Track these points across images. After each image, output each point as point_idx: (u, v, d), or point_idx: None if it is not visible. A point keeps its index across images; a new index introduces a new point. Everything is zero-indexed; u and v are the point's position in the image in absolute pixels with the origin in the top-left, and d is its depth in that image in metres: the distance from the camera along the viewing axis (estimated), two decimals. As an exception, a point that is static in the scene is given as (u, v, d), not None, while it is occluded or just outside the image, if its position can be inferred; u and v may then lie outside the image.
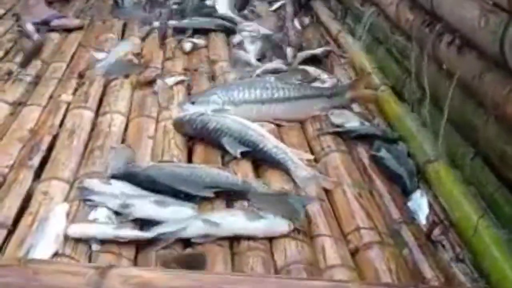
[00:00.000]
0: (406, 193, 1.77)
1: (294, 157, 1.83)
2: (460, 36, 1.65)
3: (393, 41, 2.25)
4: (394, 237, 1.59)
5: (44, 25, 2.98)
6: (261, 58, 2.69)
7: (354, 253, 1.54)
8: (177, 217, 1.56)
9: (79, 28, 3.04)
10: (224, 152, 1.94)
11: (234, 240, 1.56)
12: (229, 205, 1.70)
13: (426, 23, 1.89)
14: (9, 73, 2.47)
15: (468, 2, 1.57)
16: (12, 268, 1.14)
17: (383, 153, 1.89)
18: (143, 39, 2.96)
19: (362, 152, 1.97)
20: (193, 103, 2.10)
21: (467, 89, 1.62)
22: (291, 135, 2.09)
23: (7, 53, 2.72)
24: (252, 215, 1.56)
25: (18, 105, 2.22)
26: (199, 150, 1.99)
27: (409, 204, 1.73)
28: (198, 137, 2.02)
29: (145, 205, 1.61)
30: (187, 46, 2.76)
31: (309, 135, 2.10)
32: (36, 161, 1.86)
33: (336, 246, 1.53)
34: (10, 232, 1.55)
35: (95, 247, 1.49)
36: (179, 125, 2.06)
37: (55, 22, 3.00)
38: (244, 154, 1.90)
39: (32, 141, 1.96)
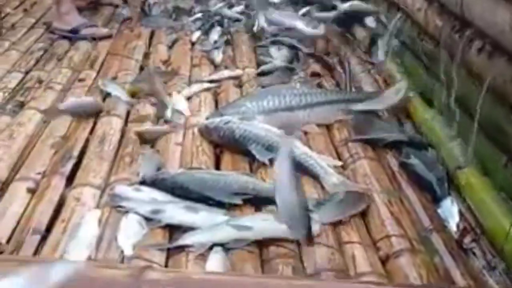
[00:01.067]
0: (436, 200, 1.76)
1: (323, 163, 1.83)
2: (490, 41, 1.64)
3: (421, 47, 2.24)
4: (425, 244, 1.57)
5: (73, 33, 3.03)
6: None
7: (384, 260, 1.53)
8: (208, 223, 1.57)
9: (108, 37, 3.07)
10: (252, 159, 1.96)
11: (263, 246, 1.56)
12: (258, 211, 1.71)
13: (455, 29, 1.87)
14: (40, 81, 2.51)
15: (499, 7, 1.55)
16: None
17: (412, 159, 1.88)
18: (170, 46, 3.00)
19: (391, 158, 1.96)
20: (222, 115, 2.11)
21: (498, 95, 1.60)
22: (318, 141, 2.09)
23: (37, 61, 2.77)
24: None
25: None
26: (227, 157, 2.00)
27: (440, 211, 1.71)
28: (225, 144, 2.03)
29: (176, 211, 1.62)
30: (218, 58, 2.76)
31: (336, 141, 2.10)
32: (67, 168, 1.89)
33: (366, 253, 1.53)
34: (44, 238, 1.58)
35: (127, 252, 1.51)
36: (205, 132, 2.08)
37: (84, 31, 3.04)
38: (272, 161, 1.90)
39: (64, 148, 1.99)
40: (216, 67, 2.71)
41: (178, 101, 2.29)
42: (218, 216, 1.62)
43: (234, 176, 1.79)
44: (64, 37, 3.02)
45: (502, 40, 1.55)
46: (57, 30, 3.07)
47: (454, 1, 1.87)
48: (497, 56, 1.59)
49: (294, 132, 2.08)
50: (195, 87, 2.44)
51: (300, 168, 1.85)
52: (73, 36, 3.02)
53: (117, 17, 3.39)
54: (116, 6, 3.53)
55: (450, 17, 1.95)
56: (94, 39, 3.02)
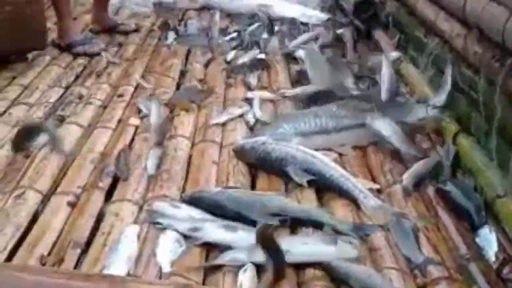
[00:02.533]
0: (474, 229, 1.75)
1: (361, 187, 1.84)
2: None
3: (459, 73, 2.24)
4: (463, 273, 1.56)
5: (68, 48, 3.10)
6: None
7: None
8: (246, 242, 1.58)
9: (97, 54, 3.09)
10: (287, 180, 1.97)
11: (300, 268, 1.57)
12: (293, 232, 1.72)
13: (496, 57, 1.87)
14: (80, 96, 2.56)
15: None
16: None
17: (449, 186, 1.87)
18: (205, 65, 3.04)
19: (427, 184, 1.96)
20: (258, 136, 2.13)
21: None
22: (353, 164, 2.10)
23: (77, 77, 2.83)
24: (324, 239, 1.58)
25: (88, 127, 2.30)
26: (262, 177, 2.02)
27: (477, 240, 1.70)
28: (260, 165, 2.05)
29: (215, 229, 1.64)
30: (253, 81, 2.77)
31: (371, 165, 2.11)
32: (106, 182, 1.93)
33: (403, 280, 1.52)
34: (84, 251, 1.60)
35: (165, 268, 1.52)
36: (240, 153, 2.10)
37: (77, 48, 3.10)
38: (308, 183, 1.92)
39: (103, 163, 2.03)
40: (250, 89, 2.72)
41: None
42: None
43: (271, 197, 1.80)
44: (64, 50, 3.10)
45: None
46: (55, 44, 3.15)
47: (495, 29, 1.87)
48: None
49: (329, 153, 2.10)
50: (230, 112, 2.44)
51: (338, 191, 1.87)
52: (67, 51, 3.09)
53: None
54: (135, 31, 3.51)
55: (490, 45, 1.95)
56: (90, 55, 3.06)
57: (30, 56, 2.97)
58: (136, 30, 3.50)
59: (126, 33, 3.48)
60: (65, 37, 3.13)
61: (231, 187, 1.89)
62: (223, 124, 2.36)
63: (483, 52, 2.00)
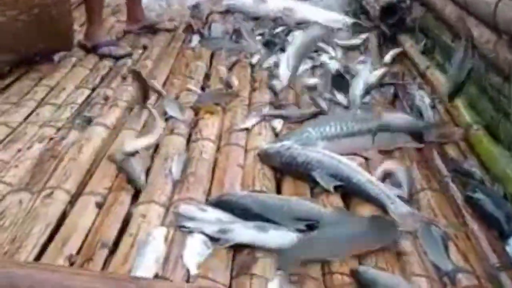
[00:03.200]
0: (503, 237, 1.72)
1: (390, 193, 1.82)
2: None
3: (488, 80, 2.21)
4: (493, 282, 1.54)
5: (94, 50, 3.14)
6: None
7: (451, 296, 1.51)
8: (278, 242, 1.59)
9: (128, 55, 3.13)
10: (313, 184, 1.96)
11: (327, 274, 1.56)
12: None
13: (528, 64, 1.85)
14: (106, 98, 2.58)
15: None
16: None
17: (478, 194, 1.85)
18: (230, 68, 3.04)
19: (455, 191, 1.94)
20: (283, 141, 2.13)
21: None
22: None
23: (103, 79, 2.85)
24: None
25: (114, 129, 2.31)
26: (288, 181, 2.01)
27: (508, 248, 1.67)
28: (286, 169, 2.04)
29: (245, 230, 1.64)
30: (278, 86, 2.73)
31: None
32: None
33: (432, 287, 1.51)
34: (111, 252, 1.61)
35: (192, 271, 1.52)
36: (266, 157, 2.09)
37: (102, 49, 3.13)
38: (334, 188, 1.91)
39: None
40: (275, 93, 2.72)
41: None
42: (288, 235, 1.63)
43: (297, 201, 1.80)
44: (89, 51, 3.14)
45: None
46: (81, 45, 3.19)
47: (527, 36, 1.84)
48: None
49: (355, 157, 2.09)
50: (254, 119, 2.42)
51: (365, 196, 1.85)
52: (93, 52, 3.12)
53: None
54: (172, 30, 3.57)
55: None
56: (114, 57, 3.10)
57: (56, 57, 3.00)
58: (174, 30, 3.55)
59: (159, 31, 3.50)
60: (92, 38, 3.16)
61: (257, 191, 1.88)
62: (248, 128, 2.36)
63: (514, 59, 1.97)
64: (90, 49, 3.15)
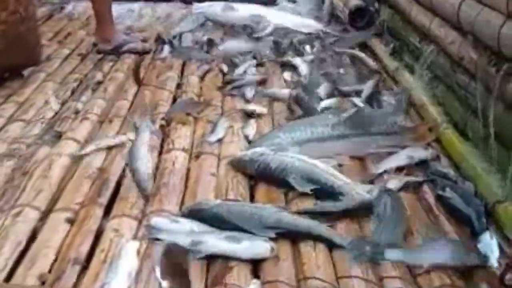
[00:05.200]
0: (475, 234, 1.74)
1: (365, 195, 1.84)
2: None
3: (455, 79, 2.24)
4: (465, 280, 1.56)
5: (116, 51, 3.28)
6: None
7: (425, 296, 1.52)
8: (250, 253, 1.60)
9: (147, 52, 3.31)
10: (287, 189, 1.96)
11: (301, 280, 1.56)
12: (295, 244, 1.71)
13: (492, 62, 1.88)
14: (76, 112, 2.56)
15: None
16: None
17: (449, 193, 1.87)
18: (201, 78, 3.04)
19: (427, 191, 1.96)
20: (256, 147, 2.13)
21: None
22: (352, 173, 2.09)
23: (73, 92, 2.82)
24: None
25: (85, 143, 2.29)
26: (262, 188, 2.01)
27: (479, 246, 1.69)
28: (260, 176, 2.04)
29: (217, 241, 1.63)
30: (249, 93, 2.75)
31: (371, 174, 2.10)
32: (105, 198, 1.91)
33: (406, 289, 1.52)
34: (84, 268, 1.59)
35: (165, 285, 1.51)
36: (239, 165, 2.09)
37: (125, 47, 3.30)
38: (313, 191, 1.90)
39: (101, 179, 2.02)
40: (247, 100, 2.72)
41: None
42: (261, 244, 1.63)
43: (269, 209, 1.79)
44: (110, 54, 3.28)
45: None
46: (102, 50, 3.31)
47: (490, 35, 1.87)
48: (537, 91, 1.59)
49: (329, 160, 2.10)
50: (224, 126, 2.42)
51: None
52: (116, 53, 3.27)
53: None
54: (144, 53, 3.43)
55: (486, 51, 1.95)
56: (138, 53, 3.26)
57: (25, 72, 2.97)
58: (146, 52, 3.39)
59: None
60: (109, 42, 3.27)
61: (230, 200, 1.88)
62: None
63: (479, 58, 2.00)
64: (112, 51, 3.27)
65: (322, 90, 2.71)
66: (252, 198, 1.97)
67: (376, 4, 3.40)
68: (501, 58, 1.83)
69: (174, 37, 3.60)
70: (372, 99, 2.61)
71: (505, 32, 1.78)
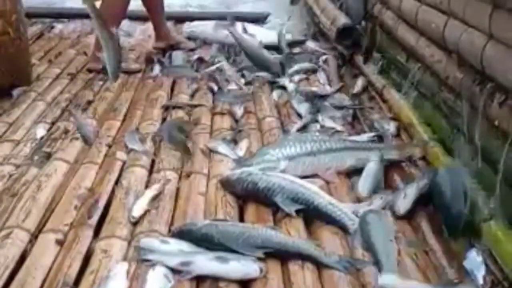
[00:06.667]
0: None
1: (350, 214, 1.85)
2: (513, 96, 1.67)
3: (441, 97, 2.27)
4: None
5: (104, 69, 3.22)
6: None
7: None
8: (239, 273, 1.60)
9: (137, 71, 3.38)
10: (276, 209, 1.97)
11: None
12: (284, 264, 1.72)
13: (476, 81, 1.91)
14: (66, 131, 2.57)
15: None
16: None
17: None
18: (191, 96, 3.06)
19: (415, 210, 1.98)
20: (248, 165, 2.14)
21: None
22: (341, 192, 2.11)
23: (63, 112, 2.83)
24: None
25: (75, 163, 2.30)
26: (250, 207, 2.02)
27: (465, 263, 1.71)
28: (248, 196, 2.05)
29: (206, 261, 1.64)
30: (239, 111, 2.79)
31: (359, 192, 2.12)
32: (94, 219, 1.92)
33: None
34: (73, 290, 1.60)
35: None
36: (228, 184, 2.10)
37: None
38: (296, 211, 1.92)
39: (90, 199, 2.03)
40: (236, 118, 2.75)
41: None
42: (249, 265, 1.64)
43: (258, 229, 1.80)
44: (99, 73, 3.31)
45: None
46: (92, 69, 3.37)
47: (474, 55, 1.90)
48: (520, 111, 1.61)
49: (316, 180, 2.12)
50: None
51: (326, 219, 1.88)
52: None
53: None
54: (192, 50, 3.73)
55: (471, 70, 1.99)
56: (127, 72, 3.32)
57: (15, 93, 2.98)
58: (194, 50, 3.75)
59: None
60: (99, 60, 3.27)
61: (219, 220, 1.89)
62: (210, 155, 2.37)
63: (464, 77, 2.03)
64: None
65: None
66: (241, 217, 1.98)
67: (364, 23, 3.43)
68: (485, 77, 1.86)
69: (164, 55, 3.63)
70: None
71: (488, 52, 1.81)
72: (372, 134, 2.50)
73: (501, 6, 1.74)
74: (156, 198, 2.01)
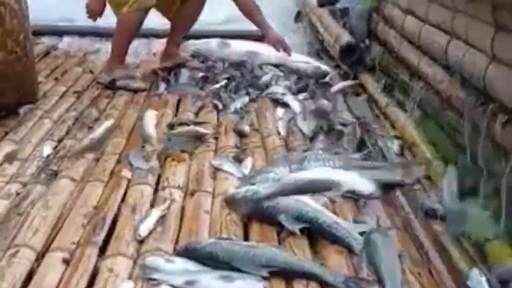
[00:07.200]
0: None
1: (355, 233, 1.87)
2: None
3: (445, 117, 2.29)
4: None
5: (111, 84, 3.42)
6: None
7: (416, 334, 1.54)
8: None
9: (143, 90, 3.39)
10: (280, 228, 1.99)
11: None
12: (288, 282, 1.73)
13: (478, 102, 1.93)
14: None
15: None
16: None
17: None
18: (196, 113, 3.08)
19: (417, 228, 1.99)
20: (252, 184, 2.16)
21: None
22: (344, 209, 2.13)
23: (69, 130, 2.85)
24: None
25: (81, 181, 2.32)
26: (255, 226, 2.03)
27: (468, 283, 1.72)
28: (252, 215, 2.06)
29: (211, 280, 1.65)
30: (246, 129, 2.81)
31: (362, 209, 2.13)
32: (100, 237, 1.93)
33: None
34: (79, 310, 1.61)
35: (160, 326, 1.53)
36: (232, 203, 2.11)
37: (120, 82, 3.41)
38: (301, 230, 1.94)
39: (96, 217, 2.04)
40: (242, 136, 2.77)
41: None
42: (254, 284, 1.64)
43: (262, 248, 1.81)
44: (107, 87, 3.41)
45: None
46: (100, 80, 3.47)
47: (476, 75, 1.93)
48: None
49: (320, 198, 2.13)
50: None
51: (331, 238, 1.89)
52: (111, 86, 3.40)
53: None
54: (199, 69, 3.73)
55: (473, 90, 2.01)
56: (132, 90, 3.37)
57: (22, 111, 3.00)
58: (200, 69, 3.71)
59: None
60: (109, 73, 3.48)
61: (224, 238, 1.90)
62: (215, 173, 2.39)
63: (466, 97, 2.05)
64: (108, 84, 3.40)
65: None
66: (246, 236, 1.99)
67: (367, 41, 3.47)
68: (488, 98, 1.88)
69: (170, 73, 3.67)
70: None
71: (490, 73, 1.83)
72: (364, 151, 2.52)
73: (503, 27, 1.77)
74: (162, 217, 2.02)
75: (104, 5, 3.47)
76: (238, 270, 1.71)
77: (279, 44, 3.72)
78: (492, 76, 1.83)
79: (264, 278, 1.69)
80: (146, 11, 3.46)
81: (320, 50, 4.04)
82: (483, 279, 1.70)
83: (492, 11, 1.81)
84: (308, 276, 1.72)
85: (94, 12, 3.48)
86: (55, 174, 2.35)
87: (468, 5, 2.04)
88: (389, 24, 3.14)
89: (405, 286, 1.69)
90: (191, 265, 1.75)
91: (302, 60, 3.74)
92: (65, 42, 4.46)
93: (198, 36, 4.16)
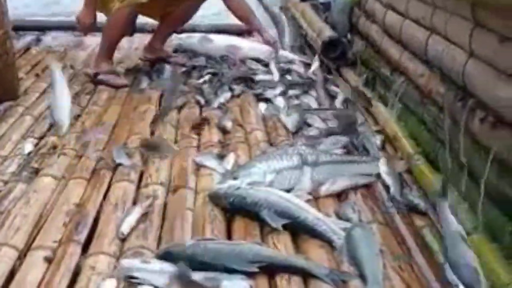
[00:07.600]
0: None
1: (336, 229, 1.88)
2: (493, 113, 1.70)
3: (425, 111, 2.31)
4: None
5: (94, 77, 3.42)
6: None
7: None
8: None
9: (123, 86, 3.37)
10: (263, 224, 1.99)
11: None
12: (271, 279, 1.74)
13: (458, 97, 1.94)
14: (54, 147, 2.57)
15: (500, 82, 1.62)
16: None
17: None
18: (179, 110, 3.07)
19: (399, 222, 2.01)
20: (235, 178, 2.16)
21: (503, 164, 1.65)
22: (327, 205, 2.14)
23: (51, 126, 2.82)
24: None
25: (63, 178, 2.30)
26: (238, 222, 2.03)
27: (447, 275, 1.74)
28: (235, 210, 2.06)
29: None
30: (229, 125, 2.81)
31: (343, 205, 2.14)
32: (83, 235, 1.93)
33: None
34: (61, 309, 1.60)
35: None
36: (215, 199, 2.12)
37: (101, 76, 3.40)
38: (284, 226, 1.95)
39: (78, 215, 2.03)
40: (225, 132, 2.77)
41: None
42: (240, 283, 1.65)
43: (248, 245, 1.81)
44: (91, 81, 3.43)
45: (504, 113, 1.61)
46: (85, 73, 3.51)
47: (455, 71, 1.94)
48: (500, 127, 1.65)
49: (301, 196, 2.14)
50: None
51: (313, 233, 1.90)
52: (93, 79, 3.41)
53: None
54: (183, 65, 3.69)
55: (453, 85, 2.02)
56: (112, 86, 3.36)
57: (2, 107, 2.98)
58: (184, 65, 3.69)
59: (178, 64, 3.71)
60: (95, 66, 3.46)
61: (206, 239, 1.89)
62: (198, 169, 2.38)
63: (446, 92, 2.07)
64: (92, 77, 3.41)
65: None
66: (228, 232, 2.00)
67: (349, 36, 3.48)
68: (467, 93, 1.90)
69: (152, 68, 3.65)
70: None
71: (469, 69, 1.85)
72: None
73: (482, 24, 1.78)
74: (145, 215, 2.02)
75: (95, 18, 3.41)
76: (225, 269, 1.71)
77: (268, 41, 3.73)
78: (471, 72, 1.84)
79: (250, 276, 1.70)
80: (136, 14, 3.46)
81: (303, 45, 4.04)
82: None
83: (471, 7, 1.82)
84: (294, 269, 1.73)
85: (85, 26, 3.41)
86: (36, 172, 2.33)
87: (448, 1, 2.05)
88: (370, 18, 3.15)
89: (386, 280, 1.71)
90: (169, 267, 1.72)
91: (287, 56, 3.75)
92: (46, 38, 4.41)
93: (182, 30, 4.13)
